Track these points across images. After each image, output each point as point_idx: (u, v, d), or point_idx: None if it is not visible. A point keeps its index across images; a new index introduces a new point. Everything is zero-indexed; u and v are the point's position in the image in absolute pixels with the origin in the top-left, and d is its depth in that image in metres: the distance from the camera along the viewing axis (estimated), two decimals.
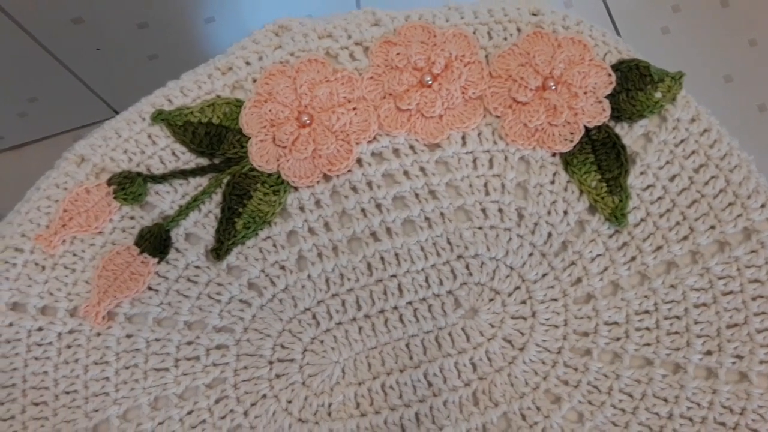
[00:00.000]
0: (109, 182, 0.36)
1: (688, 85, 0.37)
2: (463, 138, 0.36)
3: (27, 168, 0.64)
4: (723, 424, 0.32)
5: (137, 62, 0.68)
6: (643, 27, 0.87)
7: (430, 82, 0.36)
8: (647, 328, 0.34)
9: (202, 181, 0.36)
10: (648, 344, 0.34)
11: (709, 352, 0.33)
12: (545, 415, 0.33)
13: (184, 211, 0.35)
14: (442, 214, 0.35)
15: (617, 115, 0.36)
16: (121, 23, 0.68)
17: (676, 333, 0.34)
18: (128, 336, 0.35)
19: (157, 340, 0.35)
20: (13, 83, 0.70)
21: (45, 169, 0.38)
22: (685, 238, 0.34)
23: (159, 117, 0.36)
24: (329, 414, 0.34)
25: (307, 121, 0.36)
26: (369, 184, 0.36)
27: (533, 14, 0.37)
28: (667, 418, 0.33)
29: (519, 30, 0.37)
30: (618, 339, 0.34)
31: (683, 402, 0.33)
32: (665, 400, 0.33)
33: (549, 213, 0.35)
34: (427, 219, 0.35)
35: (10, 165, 0.80)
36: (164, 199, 0.36)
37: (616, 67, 0.37)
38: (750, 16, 0.87)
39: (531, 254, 0.35)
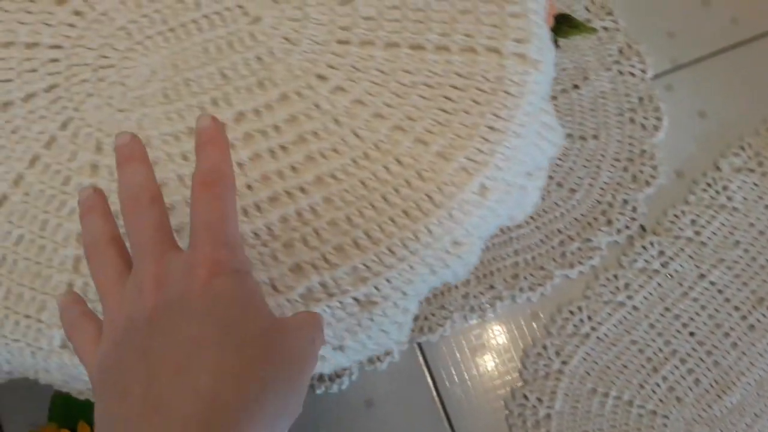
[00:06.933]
0: None
1: None
2: None
3: None
4: (456, 87, 0.39)
5: None
6: None
7: None
8: (395, 19, 0.41)
9: None
10: (396, 32, 0.40)
11: (444, 34, 0.40)
12: (315, 92, 0.40)
13: None
14: None
15: None
16: None
17: (419, 21, 0.41)
18: None
19: (2, 58, 0.42)
20: None
21: None
22: None
23: None
24: (142, 104, 0.41)
25: None
26: None
27: None
28: (411, 87, 0.39)
29: None
30: (372, 30, 0.41)
31: (423, 72, 0.40)
32: (409, 72, 0.40)
33: None
34: None
35: None
36: None
37: None
38: None
39: None
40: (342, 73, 0.40)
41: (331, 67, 0.41)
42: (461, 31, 0.40)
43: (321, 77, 0.41)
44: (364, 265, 0.38)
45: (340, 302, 0.38)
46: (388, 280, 0.38)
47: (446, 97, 0.39)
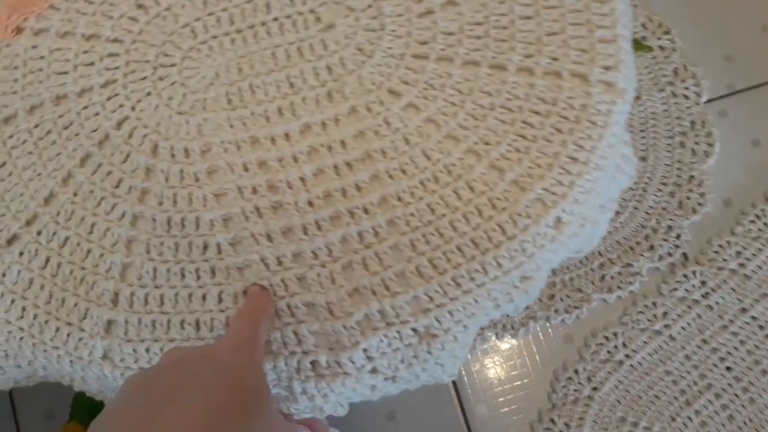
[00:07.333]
0: None
1: None
2: None
3: None
4: (537, 112, 0.37)
5: None
6: None
7: None
8: (477, 36, 0.38)
9: None
10: (477, 49, 0.38)
11: (529, 55, 0.38)
12: (386, 108, 0.38)
13: None
14: None
15: None
16: None
17: (502, 40, 0.38)
18: (34, 46, 0.40)
19: (59, 49, 0.40)
20: None
21: None
22: None
23: None
24: (204, 107, 0.38)
25: None
26: None
27: None
28: (490, 109, 0.37)
29: None
30: (451, 45, 0.38)
31: (503, 94, 0.37)
32: (488, 93, 0.37)
33: None
34: None
35: None
36: None
37: None
38: None
39: None
40: (416, 89, 0.38)
41: (405, 82, 0.38)
42: (547, 54, 0.38)
43: (393, 92, 0.38)
44: (427, 295, 0.36)
45: (398, 332, 0.36)
46: (450, 313, 0.36)
47: (526, 123, 0.37)
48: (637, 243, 0.72)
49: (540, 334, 0.72)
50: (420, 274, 0.36)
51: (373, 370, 0.37)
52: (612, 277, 0.72)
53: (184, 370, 0.28)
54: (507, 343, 0.72)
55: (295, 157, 0.37)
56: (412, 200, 0.37)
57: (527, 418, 0.70)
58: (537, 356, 0.71)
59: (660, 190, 0.73)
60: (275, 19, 0.40)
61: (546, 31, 0.38)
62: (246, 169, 0.37)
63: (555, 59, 0.38)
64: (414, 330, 0.36)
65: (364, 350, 0.36)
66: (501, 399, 0.71)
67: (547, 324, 0.72)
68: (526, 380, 0.71)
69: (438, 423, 0.70)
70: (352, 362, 0.36)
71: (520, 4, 0.39)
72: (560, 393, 0.70)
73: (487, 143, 0.37)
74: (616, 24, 0.38)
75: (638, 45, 0.72)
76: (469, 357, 0.72)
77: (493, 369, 0.71)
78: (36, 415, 0.69)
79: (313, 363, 0.36)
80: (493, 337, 0.71)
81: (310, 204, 0.37)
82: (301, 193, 0.37)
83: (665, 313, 0.71)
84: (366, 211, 0.36)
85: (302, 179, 0.37)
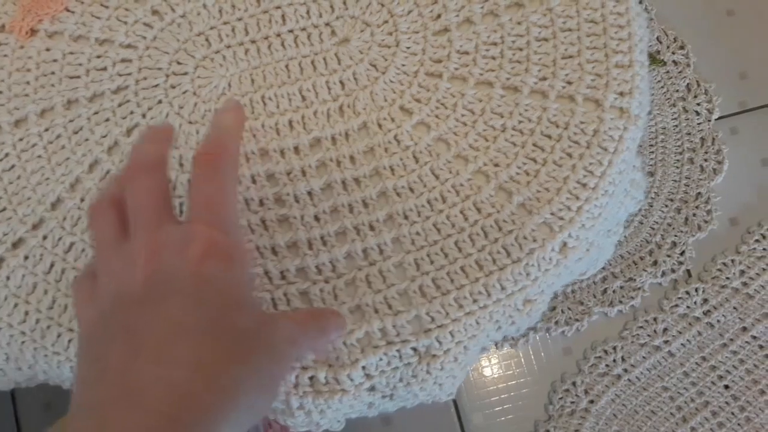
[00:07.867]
0: None
1: None
2: None
3: None
4: (548, 136, 0.37)
5: None
6: None
7: None
8: (492, 57, 0.38)
9: None
10: (491, 70, 0.38)
11: (543, 78, 0.38)
12: (397, 125, 0.38)
13: None
14: None
15: None
16: None
17: (517, 61, 0.38)
18: (47, 49, 0.40)
19: (72, 53, 0.40)
20: None
21: None
22: None
23: None
24: None
25: None
26: None
27: None
28: (501, 131, 0.37)
29: None
30: (466, 65, 0.38)
31: (516, 116, 0.37)
32: (501, 115, 0.37)
33: None
34: None
35: None
36: None
37: None
38: None
39: None
40: (428, 108, 0.38)
41: (417, 100, 0.38)
42: (561, 77, 0.37)
43: (405, 110, 0.38)
44: (429, 315, 0.35)
45: (398, 351, 0.36)
46: (451, 334, 0.36)
47: (537, 146, 0.37)
48: (641, 258, 0.72)
49: (539, 345, 0.72)
50: (423, 293, 0.36)
51: (371, 388, 0.37)
52: (614, 291, 0.71)
53: (162, 309, 0.26)
54: (506, 353, 0.72)
55: (303, 171, 0.37)
56: (418, 219, 0.36)
57: (523, 428, 0.71)
58: (535, 367, 0.72)
59: (666, 206, 0.73)
60: (290, 31, 0.40)
61: (562, 54, 0.38)
62: (254, 182, 0.37)
63: (569, 83, 0.37)
64: (414, 349, 0.36)
65: (363, 368, 0.36)
66: (498, 408, 0.71)
67: (547, 335, 0.72)
68: (523, 390, 0.71)
69: (434, 430, 0.71)
70: (351, 380, 0.36)
71: (538, 25, 0.38)
72: (557, 405, 0.70)
73: (496, 165, 0.37)
74: (633, 49, 0.38)
75: (652, 59, 0.72)
76: None
77: (491, 378, 0.72)
78: (35, 407, 0.69)
79: (312, 379, 0.36)
80: (493, 346, 0.72)
81: (317, 219, 0.37)
82: (308, 208, 0.37)
83: (665, 329, 0.71)
84: (372, 228, 0.36)
85: (310, 193, 0.37)
